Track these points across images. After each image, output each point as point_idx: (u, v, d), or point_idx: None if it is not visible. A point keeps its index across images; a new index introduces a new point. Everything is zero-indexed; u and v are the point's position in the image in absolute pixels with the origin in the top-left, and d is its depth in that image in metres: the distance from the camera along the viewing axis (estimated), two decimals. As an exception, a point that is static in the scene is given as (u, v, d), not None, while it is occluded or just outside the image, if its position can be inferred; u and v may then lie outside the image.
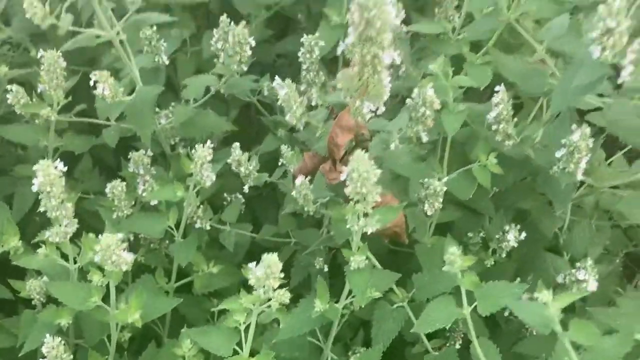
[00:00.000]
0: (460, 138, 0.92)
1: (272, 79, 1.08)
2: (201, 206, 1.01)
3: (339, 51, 0.70)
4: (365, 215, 0.70)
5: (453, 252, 0.70)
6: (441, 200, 0.84)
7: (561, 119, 0.82)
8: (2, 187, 1.13)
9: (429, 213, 0.83)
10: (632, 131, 0.76)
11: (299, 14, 1.38)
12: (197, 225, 1.02)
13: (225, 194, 1.13)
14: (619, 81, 0.70)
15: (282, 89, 0.80)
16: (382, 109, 0.69)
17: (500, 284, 0.77)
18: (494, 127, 0.85)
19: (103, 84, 0.86)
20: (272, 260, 0.62)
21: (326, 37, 1.05)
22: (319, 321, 0.83)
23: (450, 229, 1.04)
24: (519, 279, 0.96)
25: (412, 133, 0.77)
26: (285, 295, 0.68)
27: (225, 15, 1.07)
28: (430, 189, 0.83)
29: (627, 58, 0.67)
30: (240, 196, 1.11)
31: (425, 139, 0.78)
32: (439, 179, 0.85)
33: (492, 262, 0.95)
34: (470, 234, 1.00)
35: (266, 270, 0.62)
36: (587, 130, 0.77)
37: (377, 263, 0.85)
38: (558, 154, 0.78)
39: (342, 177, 0.66)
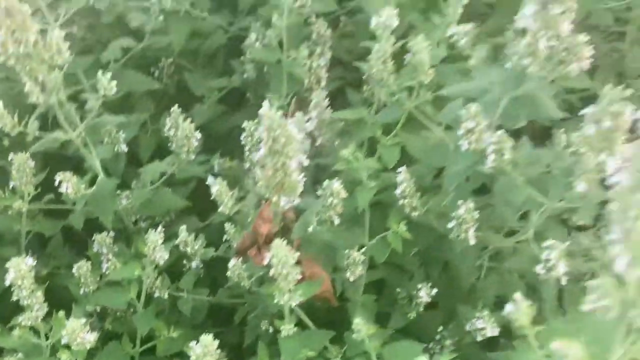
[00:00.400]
0: (379, 209, 1.07)
1: (223, 155, 1.26)
2: (159, 278, 1.15)
3: (255, 158, 0.84)
4: (289, 291, 0.85)
5: (358, 323, 0.84)
6: (361, 267, 0.99)
7: (455, 193, 0.97)
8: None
9: (351, 279, 0.98)
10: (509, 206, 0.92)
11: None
12: (156, 295, 1.15)
13: (184, 261, 1.27)
14: (486, 167, 0.86)
15: (215, 185, 0.94)
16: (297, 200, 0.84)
17: (404, 344, 0.91)
18: (400, 201, 1.00)
19: (67, 183, 1.01)
20: (207, 341, 0.76)
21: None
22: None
23: (383, 285, 1.19)
24: (441, 328, 1.12)
25: (325, 217, 0.92)
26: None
27: (176, 105, 1.23)
28: (350, 259, 0.97)
29: (488, 149, 0.84)
30: (197, 263, 1.25)
31: (337, 221, 0.93)
32: (359, 249, 0.99)
33: (414, 315, 1.09)
34: (398, 290, 1.15)
35: (203, 349, 0.76)
36: (472, 205, 0.92)
37: (311, 324, 0.99)
38: (449, 225, 0.93)
39: (265, 262, 0.80)
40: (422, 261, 1.18)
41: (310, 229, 0.92)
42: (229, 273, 0.95)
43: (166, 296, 1.16)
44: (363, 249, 1.01)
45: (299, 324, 1.01)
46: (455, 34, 0.98)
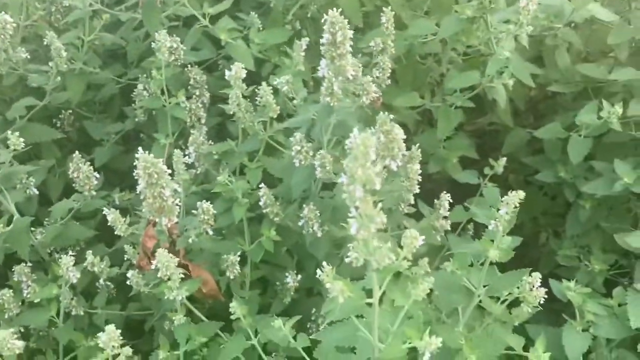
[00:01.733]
0: (255, 220, 1.35)
1: (124, 189, 1.49)
2: (74, 298, 1.37)
3: (139, 189, 1.10)
4: (177, 288, 1.10)
5: (234, 306, 1.11)
6: (238, 267, 1.26)
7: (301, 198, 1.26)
8: None
9: (231, 277, 1.24)
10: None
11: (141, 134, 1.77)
12: (73, 313, 1.37)
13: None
14: (318, 176, 1.15)
15: (110, 215, 1.19)
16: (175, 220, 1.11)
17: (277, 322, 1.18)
18: (264, 210, 1.28)
19: (-15, 226, 1.22)
20: (110, 329, 0.99)
21: (156, 154, 1.46)
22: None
23: (267, 282, 1.47)
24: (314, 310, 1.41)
25: (201, 230, 1.19)
26: (127, 351, 1.05)
27: (77, 151, 1.46)
28: (228, 262, 1.24)
29: (316, 164, 1.13)
30: (106, 282, 1.47)
31: (210, 233, 1.20)
32: (235, 253, 1.26)
33: (289, 300, 1.37)
34: (277, 283, 1.42)
35: (109, 336, 0.99)
36: (312, 206, 1.21)
37: (201, 316, 1.25)
38: (299, 223, 1.23)
39: (152, 267, 1.06)
40: (297, 257, 1.46)
41: (190, 241, 1.18)
42: (129, 282, 1.20)
43: (82, 313, 1.38)
44: (243, 253, 1.28)
45: (194, 318, 1.26)
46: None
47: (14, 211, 1.34)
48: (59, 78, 1.57)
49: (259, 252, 1.30)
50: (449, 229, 1.44)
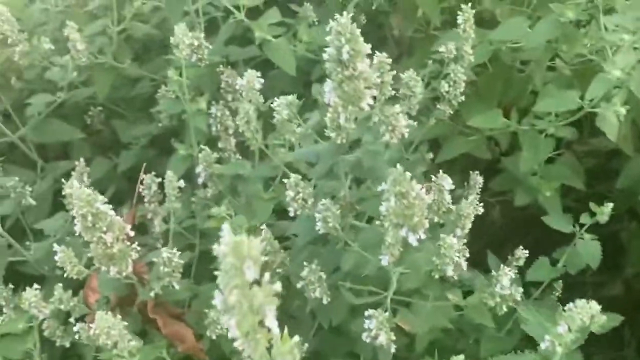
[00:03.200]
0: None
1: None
2: (59, 327, 1.19)
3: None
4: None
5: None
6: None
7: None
8: None
9: (212, 337, 1.00)
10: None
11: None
12: (58, 343, 1.19)
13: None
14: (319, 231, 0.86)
15: (59, 252, 0.98)
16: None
17: None
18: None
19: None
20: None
21: (174, 167, 1.25)
22: None
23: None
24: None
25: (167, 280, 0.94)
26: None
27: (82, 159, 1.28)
28: (209, 317, 0.99)
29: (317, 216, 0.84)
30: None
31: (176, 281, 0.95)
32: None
33: None
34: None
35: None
36: (314, 266, 0.93)
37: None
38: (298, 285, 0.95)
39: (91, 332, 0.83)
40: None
41: (152, 294, 0.95)
42: (76, 337, 0.99)
43: (68, 344, 1.20)
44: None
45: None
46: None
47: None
48: (75, 73, 1.39)
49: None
50: (519, 298, 1.09)
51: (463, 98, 1.22)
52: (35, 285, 1.06)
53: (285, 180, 0.87)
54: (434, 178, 0.92)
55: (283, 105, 0.88)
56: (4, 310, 1.18)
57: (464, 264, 1.03)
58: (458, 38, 1.20)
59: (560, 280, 1.27)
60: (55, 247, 0.91)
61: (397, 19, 1.47)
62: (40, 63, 1.43)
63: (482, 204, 1.05)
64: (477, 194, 1.24)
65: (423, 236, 0.75)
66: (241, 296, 0.45)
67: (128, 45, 1.49)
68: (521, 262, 1.21)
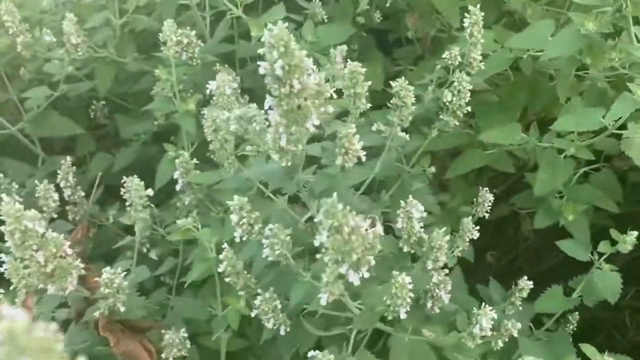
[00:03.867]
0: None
1: None
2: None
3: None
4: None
5: None
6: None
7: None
8: None
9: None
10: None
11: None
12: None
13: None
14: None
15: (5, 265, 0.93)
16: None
17: None
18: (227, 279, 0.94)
19: None
20: None
21: (162, 171, 1.19)
22: None
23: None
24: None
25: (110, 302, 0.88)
26: None
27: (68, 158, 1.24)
28: (167, 339, 0.93)
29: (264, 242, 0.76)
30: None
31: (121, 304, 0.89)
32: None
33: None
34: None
35: None
36: (268, 295, 0.84)
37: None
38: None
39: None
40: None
41: (97, 314, 0.89)
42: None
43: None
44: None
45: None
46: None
47: None
48: (70, 67, 1.36)
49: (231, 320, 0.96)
50: (516, 334, 0.97)
51: (469, 108, 1.10)
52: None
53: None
54: (402, 203, 0.81)
55: (236, 118, 0.79)
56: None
57: (446, 298, 0.93)
58: (464, 43, 1.08)
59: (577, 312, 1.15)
60: (2, 256, 0.86)
61: (412, 18, 1.35)
62: (43, 55, 1.41)
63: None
64: (488, 208, 1.14)
65: (366, 274, 0.65)
66: None
67: (132, 39, 1.44)
68: (524, 294, 1.10)
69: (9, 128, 1.40)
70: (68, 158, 1.23)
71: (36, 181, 1.13)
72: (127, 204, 1.14)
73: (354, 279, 0.65)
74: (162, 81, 1.20)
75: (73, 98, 1.49)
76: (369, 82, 0.86)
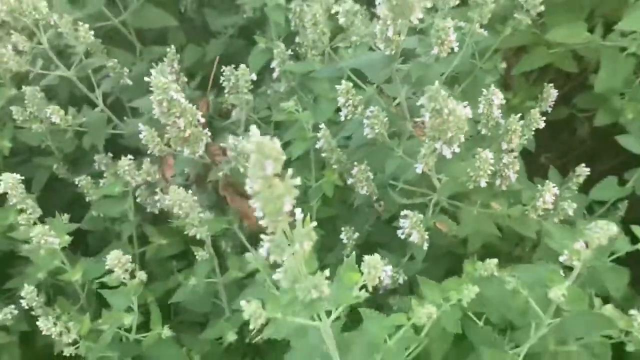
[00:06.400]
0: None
1: None
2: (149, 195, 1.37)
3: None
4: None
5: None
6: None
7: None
8: None
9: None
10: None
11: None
12: (148, 210, 1.38)
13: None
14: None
15: (142, 133, 1.11)
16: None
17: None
18: (322, 154, 1.11)
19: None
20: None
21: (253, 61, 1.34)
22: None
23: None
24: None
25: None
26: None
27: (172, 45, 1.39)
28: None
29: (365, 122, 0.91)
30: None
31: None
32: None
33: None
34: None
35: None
36: (363, 166, 1.01)
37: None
38: (349, 182, 1.03)
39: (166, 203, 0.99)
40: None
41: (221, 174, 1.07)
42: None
43: (157, 211, 1.37)
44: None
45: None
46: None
47: (99, 103, 1.35)
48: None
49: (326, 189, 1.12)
50: (571, 212, 1.11)
51: (543, 7, 1.19)
52: (130, 156, 1.21)
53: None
54: (484, 92, 0.94)
55: (344, 12, 0.93)
56: (105, 175, 1.37)
57: (513, 177, 1.07)
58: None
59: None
60: (140, 126, 1.04)
61: None
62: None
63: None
64: (550, 107, 1.24)
65: (457, 150, 0.80)
66: (264, 186, 0.54)
67: None
68: (581, 180, 1.22)
69: (112, 19, 1.55)
70: (172, 46, 1.38)
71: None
72: (225, 90, 1.30)
73: (447, 152, 0.80)
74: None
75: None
76: None
